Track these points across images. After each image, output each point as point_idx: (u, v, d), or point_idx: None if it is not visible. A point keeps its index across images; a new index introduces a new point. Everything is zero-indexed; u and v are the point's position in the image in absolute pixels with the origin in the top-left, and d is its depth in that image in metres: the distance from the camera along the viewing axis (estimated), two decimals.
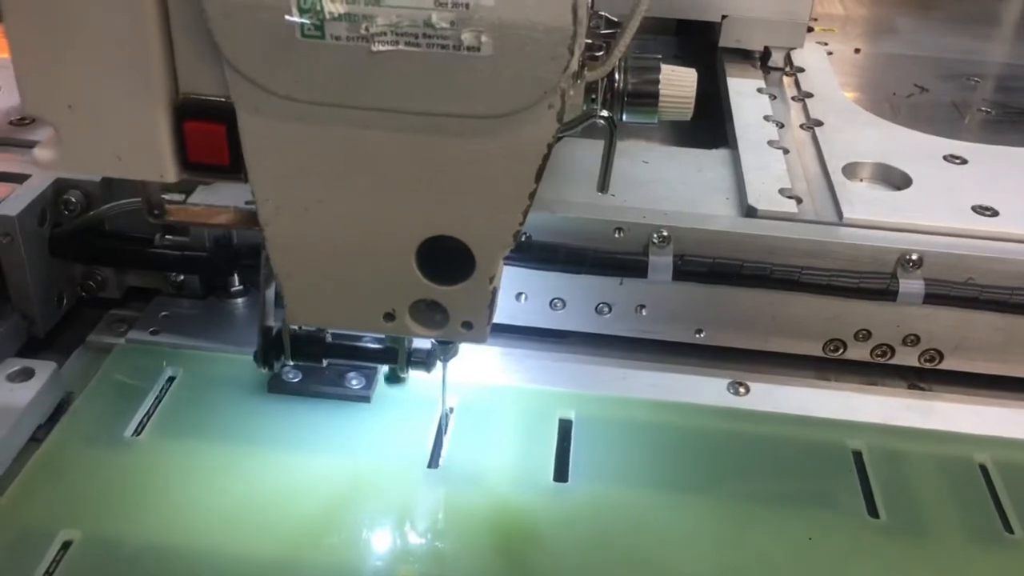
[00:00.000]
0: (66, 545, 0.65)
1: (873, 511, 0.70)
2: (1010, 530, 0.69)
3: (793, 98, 1.07)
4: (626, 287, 0.82)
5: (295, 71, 0.50)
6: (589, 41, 0.54)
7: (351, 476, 0.70)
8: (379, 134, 0.52)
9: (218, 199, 0.77)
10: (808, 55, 1.17)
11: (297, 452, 0.72)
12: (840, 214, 0.83)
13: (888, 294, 0.79)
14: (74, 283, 0.87)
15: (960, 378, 0.84)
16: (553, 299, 0.84)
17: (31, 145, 0.83)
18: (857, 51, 1.29)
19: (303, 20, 0.48)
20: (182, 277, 0.86)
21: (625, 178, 0.87)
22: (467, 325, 0.58)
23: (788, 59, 1.15)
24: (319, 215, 0.55)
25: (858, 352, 0.84)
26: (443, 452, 0.73)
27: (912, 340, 0.83)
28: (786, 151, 0.94)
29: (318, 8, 0.48)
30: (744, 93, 1.06)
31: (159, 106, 0.52)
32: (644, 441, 0.75)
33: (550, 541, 0.67)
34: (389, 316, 0.58)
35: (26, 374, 0.75)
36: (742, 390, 0.80)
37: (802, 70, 1.14)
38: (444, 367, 0.69)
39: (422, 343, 0.68)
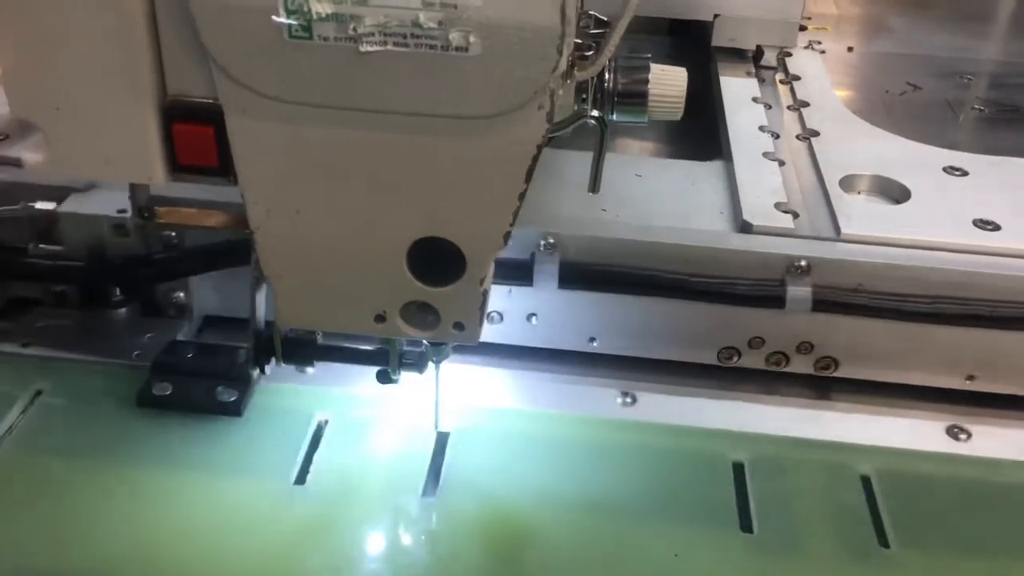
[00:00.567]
0: None
1: (747, 525, 0.68)
2: (886, 544, 0.67)
3: (789, 107, 1.06)
4: (515, 295, 0.81)
5: (283, 72, 0.50)
6: (579, 41, 0.53)
7: (215, 492, 0.68)
8: (368, 135, 0.52)
9: None
10: (804, 62, 1.16)
11: (163, 468, 0.70)
12: (838, 229, 0.82)
13: (776, 301, 0.78)
14: None
15: (855, 386, 0.83)
16: None
17: None
18: (850, 50, 1.29)
19: (290, 21, 0.48)
20: (62, 287, 0.84)
21: (617, 193, 0.85)
22: (458, 326, 0.58)
23: (783, 65, 1.15)
24: (309, 217, 0.55)
25: (753, 360, 0.82)
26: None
27: (806, 348, 0.81)
28: (782, 163, 0.92)
29: (305, 9, 0.47)
30: (739, 102, 1.05)
31: (147, 108, 0.52)
32: (522, 453, 0.73)
33: (417, 557, 0.65)
34: (380, 317, 0.58)
35: None
36: (630, 400, 0.78)
37: (798, 78, 1.12)
38: (437, 369, 0.69)
39: (414, 345, 0.67)
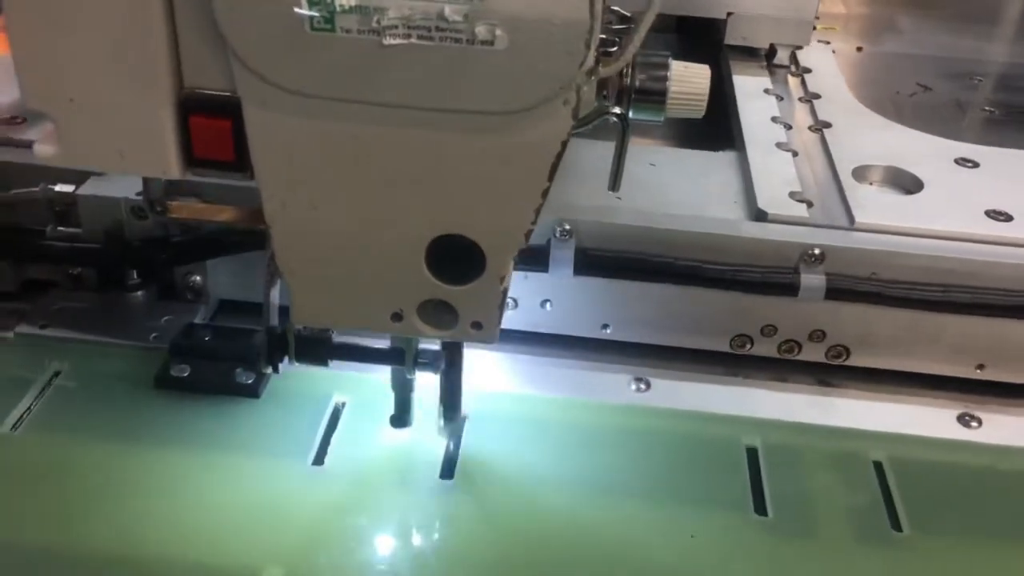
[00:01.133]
0: None
1: (762, 508, 0.67)
2: (899, 528, 0.66)
3: (800, 99, 1.03)
4: (531, 281, 0.79)
5: (304, 65, 0.47)
6: (603, 36, 0.50)
7: (234, 473, 0.67)
8: (389, 130, 0.49)
9: None
10: (814, 55, 1.13)
11: (181, 448, 0.68)
12: (852, 218, 0.79)
13: (790, 289, 0.76)
14: None
15: (867, 374, 0.81)
16: None
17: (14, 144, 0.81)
18: (859, 50, 1.26)
19: (312, 13, 0.45)
20: (78, 270, 0.82)
21: (632, 181, 0.82)
22: (477, 325, 0.55)
23: (794, 59, 1.11)
24: (326, 213, 0.52)
25: (765, 348, 0.81)
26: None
27: (818, 336, 0.80)
28: (795, 153, 0.90)
29: (328, 1, 0.45)
30: (751, 94, 1.02)
31: (163, 100, 0.49)
32: (537, 438, 0.71)
33: (434, 539, 0.64)
34: (397, 316, 0.55)
35: None
36: (643, 386, 0.77)
37: (809, 71, 1.09)
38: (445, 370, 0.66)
39: (429, 344, 0.64)
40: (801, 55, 1.12)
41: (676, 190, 0.84)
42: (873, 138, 0.93)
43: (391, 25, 0.45)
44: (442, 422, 0.68)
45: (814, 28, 1.10)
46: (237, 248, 0.76)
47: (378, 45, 0.45)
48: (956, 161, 0.89)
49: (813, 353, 0.80)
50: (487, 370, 0.77)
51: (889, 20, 1.39)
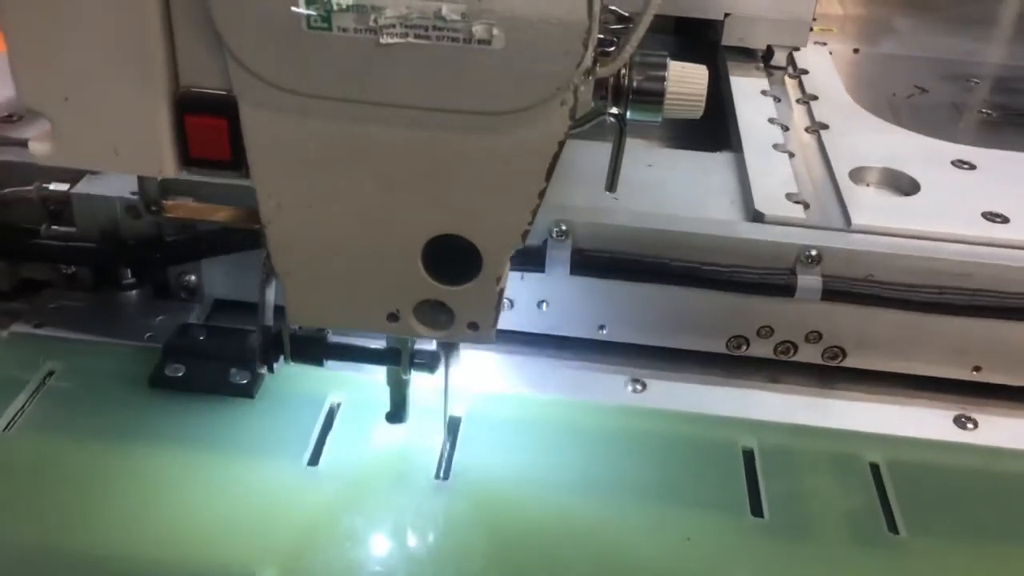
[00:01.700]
0: None
1: (758, 510, 0.67)
2: (895, 530, 0.67)
3: (797, 100, 1.03)
4: (527, 282, 0.79)
5: (300, 64, 0.47)
6: (600, 36, 0.50)
7: (229, 473, 0.67)
8: (386, 130, 0.49)
9: None
10: (811, 57, 1.13)
11: (175, 448, 0.68)
12: (848, 220, 0.80)
13: (787, 290, 0.76)
14: None
15: (863, 376, 0.81)
16: None
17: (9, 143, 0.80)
18: (856, 51, 1.26)
19: (309, 11, 0.45)
20: (73, 269, 0.82)
21: (629, 182, 0.81)
22: (473, 326, 0.55)
23: (791, 60, 1.12)
24: (323, 213, 0.52)
25: (761, 349, 0.81)
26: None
27: (814, 337, 0.80)
28: (791, 155, 0.90)
29: None
30: (748, 95, 1.02)
31: (159, 99, 0.49)
32: (532, 439, 0.71)
33: (429, 539, 0.64)
34: (393, 316, 0.55)
35: None
36: (639, 387, 0.77)
37: (806, 72, 1.10)
38: (446, 371, 0.66)
39: (426, 344, 0.64)
40: (798, 56, 1.12)
41: (673, 191, 0.84)
42: (870, 140, 0.94)
43: (388, 24, 0.45)
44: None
45: (811, 29, 1.10)
46: (232, 248, 0.76)
47: (375, 44, 0.46)
48: (953, 163, 0.90)
49: (809, 354, 0.81)
50: (483, 370, 0.78)
51: (886, 22, 1.39)
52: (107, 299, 0.82)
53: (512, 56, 0.46)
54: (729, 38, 1.10)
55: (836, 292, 0.77)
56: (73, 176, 0.78)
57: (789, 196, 0.82)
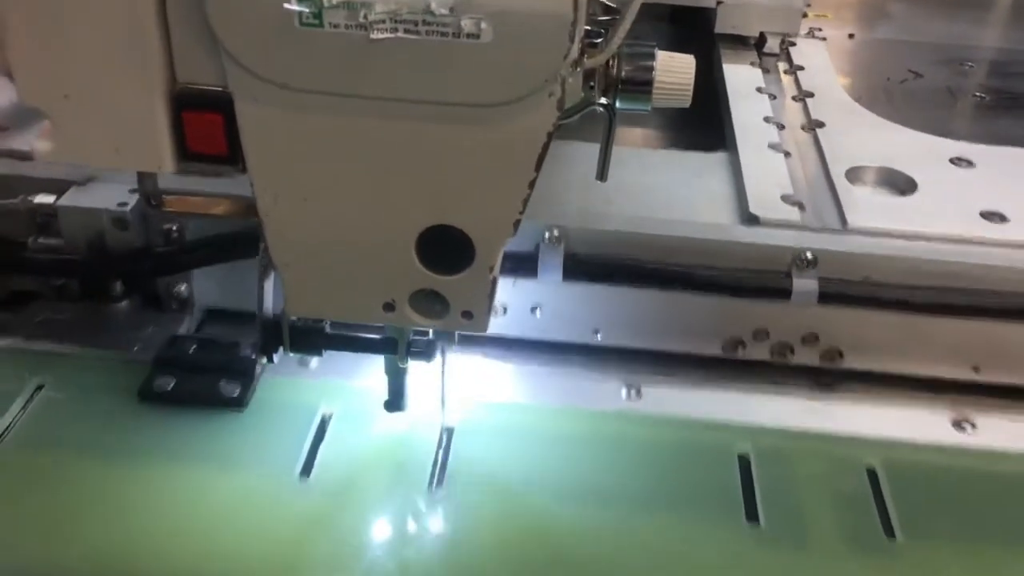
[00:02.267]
0: None
1: (753, 516, 0.69)
2: (892, 535, 0.69)
3: (793, 98, 1.07)
4: (520, 287, 0.82)
5: (293, 60, 0.50)
6: (587, 28, 0.54)
7: (220, 485, 0.69)
8: (378, 123, 0.52)
9: None
10: (808, 51, 1.17)
11: (166, 461, 0.71)
12: (844, 221, 0.82)
13: (783, 293, 0.79)
14: None
15: (861, 377, 0.83)
16: None
17: None
18: (851, 36, 1.29)
19: (301, 8, 0.48)
20: (61, 281, 0.84)
21: (622, 186, 0.86)
22: (467, 315, 0.58)
23: (787, 55, 1.15)
24: (318, 205, 0.55)
25: (758, 352, 0.83)
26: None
27: (811, 339, 0.82)
28: (787, 154, 0.93)
29: None
30: (743, 93, 1.05)
31: (157, 96, 0.52)
32: (527, 447, 0.74)
33: (424, 549, 0.66)
34: (389, 306, 0.58)
35: None
36: (635, 393, 0.80)
37: (802, 68, 1.13)
38: (443, 362, 0.69)
39: (421, 333, 0.68)
40: (794, 52, 1.16)
41: (667, 194, 0.86)
42: (867, 137, 0.97)
43: (378, 20, 0.48)
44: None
45: (805, 15, 1.14)
46: (222, 257, 0.79)
47: (365, 40, 0.49)
48: (951, 161, 0.92)
49: (806, 356, 0.83)
50: (477, 377, 0.80)
51: (881, 6, 1.42)
52: (96, 310, 0.84)
53: (500, 49, 0.49)
54: (722, 26, 1.14)
55: (833, 295, 0.78)
56: (60, 188, 0.81)
57: (784, 198, 0.85)
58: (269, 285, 0.67)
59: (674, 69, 0.59)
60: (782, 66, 1.13)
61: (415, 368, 0.70)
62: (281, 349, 0.68)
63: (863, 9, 1.42)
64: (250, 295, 0.68)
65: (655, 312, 0.82)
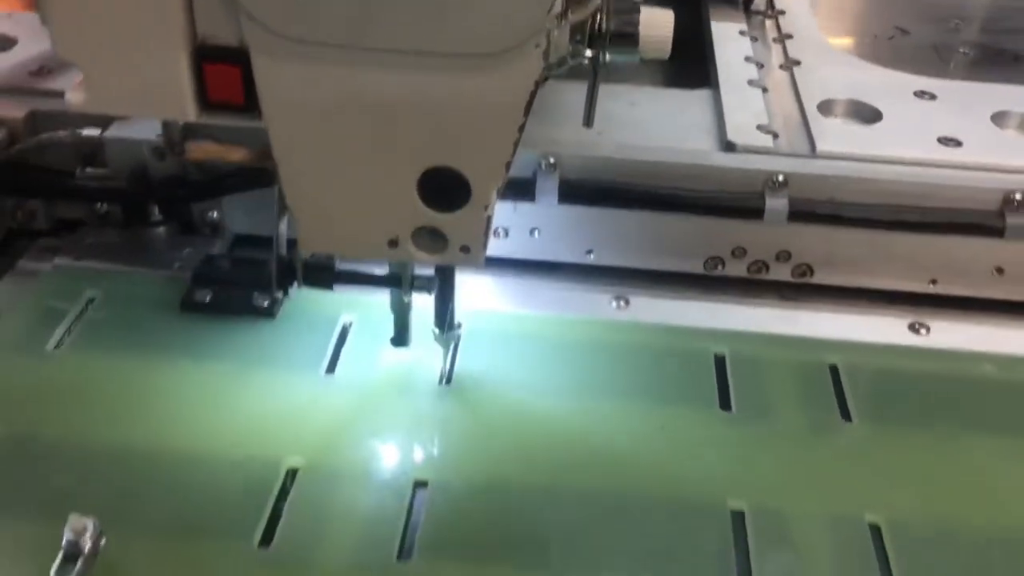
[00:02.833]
0: None
1: (727, 406, 0.71)
2: (849, 419, 0.70)
3: (774, 39, 1.05)
4: (519, 212, 0.82)
5: (302, 15, 0.50)
6: None
7: (255, 382, 0.71)
8: (380, 73, 0.51)
9: None
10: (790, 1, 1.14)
11: (207, 362, 0.72)
12: (814, 147, 0.82)
13: (756, 213, 0.79)
14: (5, 216, 0.85)
15: (830, 291, 0.84)
16: None
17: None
18: None
19: None
20: (105, 208, 0.85)
21: (613, 118, 0.85)
22: (465, 249, 0.58)
23: (770, 2, 1.12)
24: (327, 150, 0.55)
25: (736, 268, 0.84)
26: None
27: (784, 256, 0.83)
28: (765, 90, 0.92)
29: None
30: (727, 36, 1.04)
31: (179, 50, 0.51)
32: (526, 351, 0.75)
33: (434, 437, 0.68)
34: (393, 243, 0.58)
35: None
36: (623, 303, 0.80)
37: (783, 12, 1.10)
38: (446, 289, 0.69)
39: (424, 269, 0.68)
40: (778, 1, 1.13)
41: (654, 125, 0.86)
42: (839, 74, 0.96)
43: None
44: (437, 331, 0.72)
45: None
46: (250, 186, 0.79)
47: None
48: (915, 94, 0.92)
49: (780, 272, 0.83)
50: (483, 293, 0.81)
51: None
52: (137, 235, 0.84)
53: (487, 4, 0.48)
54: None
55: (802, 213, 0.79)
56: (103, 122, 0.81)
57: (760, 127, 0.85)
58: (283, 225, 0.67)
59: (653, 24, 0.58)
60: (769, 23, 1.10)
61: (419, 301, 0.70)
62: (295, 283, 0.69)
63: None
64: (272, 221, 0.69)
65: (643, 233, 0.83)
